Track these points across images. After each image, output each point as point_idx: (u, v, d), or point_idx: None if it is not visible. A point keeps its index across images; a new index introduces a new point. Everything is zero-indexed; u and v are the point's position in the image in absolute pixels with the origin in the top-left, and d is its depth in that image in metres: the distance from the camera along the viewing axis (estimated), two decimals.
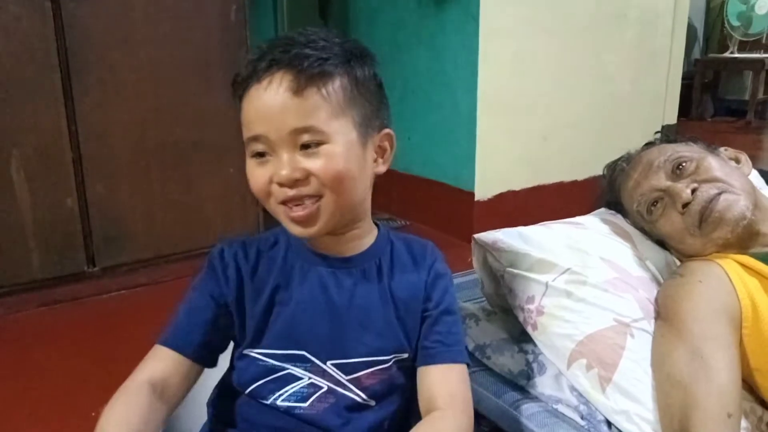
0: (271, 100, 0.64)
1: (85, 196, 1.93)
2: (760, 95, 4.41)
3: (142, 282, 2.01)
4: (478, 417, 0.93)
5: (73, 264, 1.95)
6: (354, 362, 0.72)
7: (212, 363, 0.75)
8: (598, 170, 2.71)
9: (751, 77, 4.41)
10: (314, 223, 0.67)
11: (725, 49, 4.56)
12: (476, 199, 2.39)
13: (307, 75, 0.64)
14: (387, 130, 0.73)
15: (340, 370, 0.72)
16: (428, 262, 0.77)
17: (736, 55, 4.47)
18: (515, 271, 0.97)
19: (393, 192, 2.71)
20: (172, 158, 2.05)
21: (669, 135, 1.07)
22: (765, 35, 4.39)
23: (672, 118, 3.13)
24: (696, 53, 4.75)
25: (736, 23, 4.39)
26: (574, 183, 2.66)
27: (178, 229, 2.10)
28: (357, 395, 0.72)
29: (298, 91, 0.63)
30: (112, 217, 1.99)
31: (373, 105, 0.70)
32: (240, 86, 0.67)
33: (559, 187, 2.61)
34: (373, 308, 0.73)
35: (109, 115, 1.92)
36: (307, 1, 3.14)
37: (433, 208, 2.59)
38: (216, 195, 2.15)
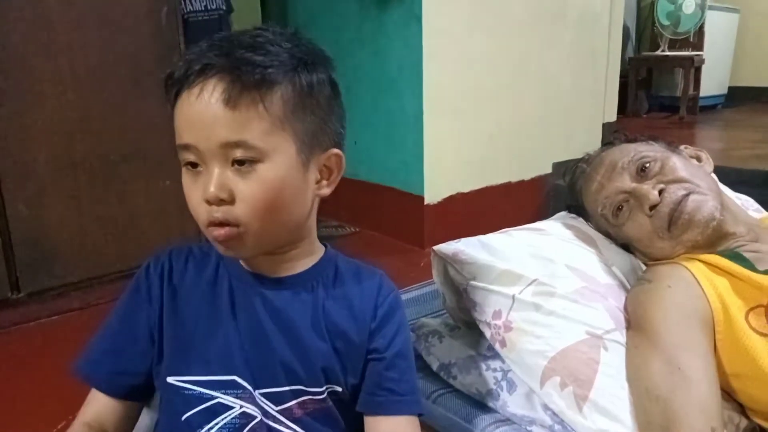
0: (201, 110, 0.57)
1: (6, 216, 1.77)
2: (691, 91, 4.56)
3: (74, 306, 1.88)
4: None
5: None
6: (283, 391, 0.64)
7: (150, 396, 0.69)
8: (544, 169, 2.77)
9: (682, 74, 4.55)
10: (235, 247, 0.62)
11: (657, 47, 4.68)
12: (426, 202, 2.35)
13: (243, 84, 0.56)
14: (335, 151, 0.65)
15: (268, 400, 0.64)
16: (377, 294, 0.70)
17: (667, 53, 4.60)
18: (479, 284, 0.91)
19: (341, 198, 2.62)
20: (101, 172, 1.91)
21: (628, 134, 1.04)
22: (692, 34, 4.54)
23: (612, 115, 3.19)
24: (630, 52, 4.88)
25: (665, 22, 4.52)
26: (521, 183, 2.67)
27: (111, 247, 1.96)
28: (289, 428, 0.64)
29: (229, 101, 0.56)
30: (36, 237, 1.83)
31: (321, 119, 0.63)
32: (171, 88, 0.60)
33: (507, 187, 2.62)
34: (304, 334, 0.66)
35: (29, 127, 1.77)
36: (247, 4, 3.03)
37: (382, 214, 2.54)
38: (151, 209, 2.01)
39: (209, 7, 2.73)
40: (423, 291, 1.22)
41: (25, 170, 1.78)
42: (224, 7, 2.77)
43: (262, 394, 0.64)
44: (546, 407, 0.84)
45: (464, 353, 0.95)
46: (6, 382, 1.50)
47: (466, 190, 2.47)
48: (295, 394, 0.64)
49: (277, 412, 0.64)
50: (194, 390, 0.64)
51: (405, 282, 1.42)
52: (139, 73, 1.93)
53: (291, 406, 0.64)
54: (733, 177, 1.29)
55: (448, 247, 0.97)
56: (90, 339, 0.69)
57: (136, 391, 0.69)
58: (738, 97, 5.17)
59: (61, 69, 1.80)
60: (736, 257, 0.86)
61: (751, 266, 0.83)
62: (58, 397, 1.39)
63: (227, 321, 0.66)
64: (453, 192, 2.42)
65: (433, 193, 2.36)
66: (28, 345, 1.69)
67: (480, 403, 0.90)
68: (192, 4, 2.68)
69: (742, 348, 0.78)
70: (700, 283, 0.84)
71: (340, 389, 0.67)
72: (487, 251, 0.94)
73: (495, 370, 0.91)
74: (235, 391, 0.64)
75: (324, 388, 0.66)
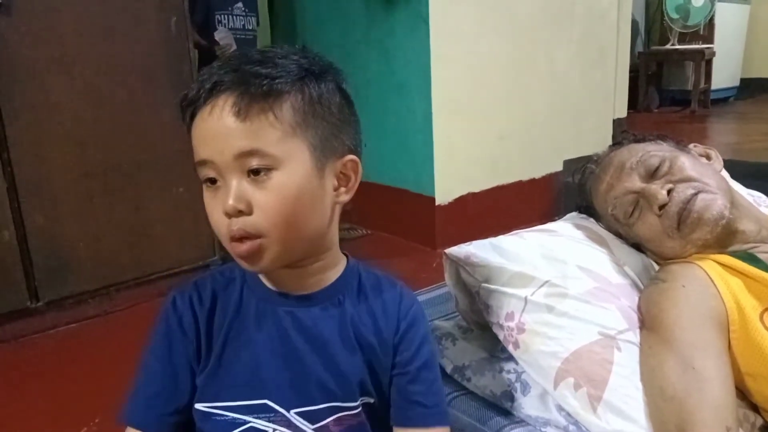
0: (213, 125, 0.58)
1: (24, 226, 1.79)
2: (702, 84, 4.53)
3: (91, 314, 1.89)
4: None
5: (15, 300, 1.81)
6: (319, 409, 0.65)
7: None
8: (555, 167, 2.77)
9: (693, 68, 4.53)
10: (258, 260, 0.61)
11: (666, 41, 4.67)
12: (437, 203, 2.35)
13: (252, 95, 0.58)
14: (351, 157, 0.66)
15: (304, 419, 0.64)
16: (399, 308, 0.70)
17: (677, 46, 4.58)
18: (491, 286, 0.92)
19: (352, 201, 2.63)
20: (116, 181, 1.93)
21: (636, 134, 1.04)
22: (702, 26, 4.51)
23: (622, 111, 3.17)
24: (639, 46, 4.85)
25: (675, 16, 4.50)
26: (532, 181, 2.66)
27: (127, 255, 1.98)
28: None
29: (240, 113, 0.57)
30: (54, 246, 1.85)
31: (333, 125, 0.63)
32: (186, 110, 0.61)
33: (518, 186, 2.61)
34: (336, 350, 0.66)
35: (44, 138, 1.79)
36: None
37: (394, 216, 2.54)
38: (166, 217, 2.03)
39: (246, 27, 2.90)
40: (435, 293, 1.22)
41: (41, 181, 1.81)
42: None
43: (298, 413, 0.64)
44: (560, 408, 0.84)
45: (478, 355, 0.96)
46: (27, 390, 1.53)
47: (477, 189, 2.46)
48: (332, 411, 0.65)
49: (313, 430, 0.64)
50: (227, 416, 0.64)
51: (418, 283, 1.43)
52: (150, 82, 1.95)
53: (327, 423, 0.65)
54: (746, 171, 1.29)
55: (459, 250, 0.97)
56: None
57: (187, 426, 0.68)
58: (750, 88, 5.14)
59: (73, 80, 1.82)
60: (750, 258, 0.86)
61: (765, 267, 0.83)
62: (78, 405, 1.41)
63: (256, 343, 0.66)
64: (464, 192, 2.42)
65: (443, 194, 2.36)
66: (48, 353, 1.72)
67: (494, 404, 0.91)
68: (233, 21, 2.83)
69: (757, 348, 0.78)
70: (715, 282, 0.84)
71: (372, 400, 0.68)
72: (499, 253, 0.95)
73: (509, 371, 0.92)
74: (267, 415, 0.64)
75: (358, 402, 0.66)
